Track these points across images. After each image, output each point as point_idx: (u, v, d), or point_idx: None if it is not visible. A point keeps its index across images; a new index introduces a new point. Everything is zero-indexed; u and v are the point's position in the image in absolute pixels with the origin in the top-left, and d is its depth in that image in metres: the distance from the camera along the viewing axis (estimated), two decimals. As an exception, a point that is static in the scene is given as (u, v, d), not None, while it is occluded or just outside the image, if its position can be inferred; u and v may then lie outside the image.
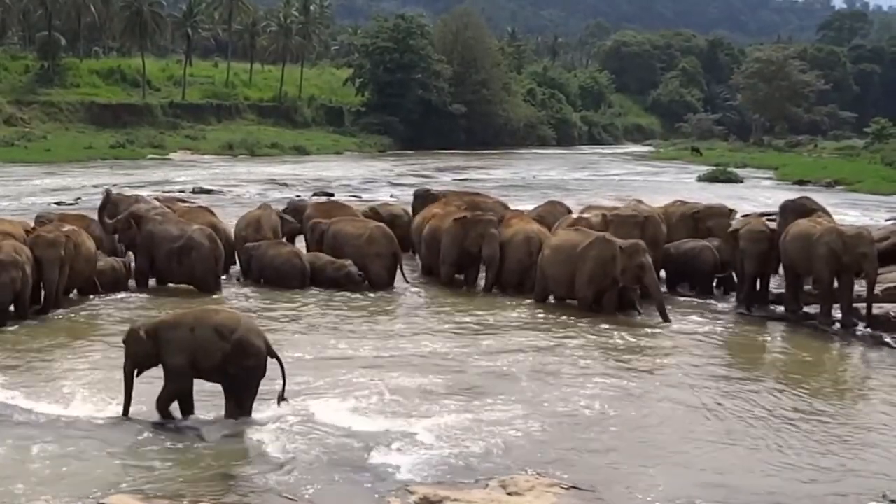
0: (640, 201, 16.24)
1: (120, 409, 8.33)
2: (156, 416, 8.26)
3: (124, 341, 8.34)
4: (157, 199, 17.08)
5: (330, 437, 7.97)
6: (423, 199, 17.23)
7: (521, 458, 7.62)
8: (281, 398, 8.20)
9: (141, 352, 8.20)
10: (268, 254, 14.63)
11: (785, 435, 8.36)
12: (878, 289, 12.61)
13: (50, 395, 8.87)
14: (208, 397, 8.42)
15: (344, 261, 14.50)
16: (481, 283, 14.71)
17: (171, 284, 14.18)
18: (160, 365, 8.25)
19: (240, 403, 8.19)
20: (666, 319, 12.43)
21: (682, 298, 14.08)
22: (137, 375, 8.31)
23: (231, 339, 8.05)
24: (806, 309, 13.02)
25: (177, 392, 8.22)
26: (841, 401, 9.52)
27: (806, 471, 7.58)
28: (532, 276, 13.98)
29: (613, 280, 12.78)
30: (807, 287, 13.29)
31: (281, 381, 8.19)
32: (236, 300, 13.58)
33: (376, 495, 6.92)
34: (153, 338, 8.17)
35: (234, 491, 6.94)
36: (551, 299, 13.64)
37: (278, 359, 8.28)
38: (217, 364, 8.06)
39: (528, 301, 13.67)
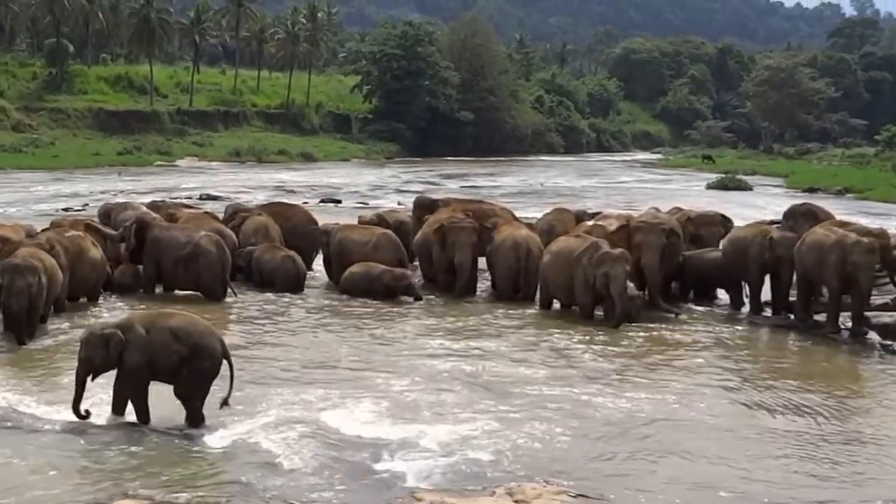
0: (675, 210, 16.06)
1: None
2: (161, 424, 8.22)
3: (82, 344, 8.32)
4: (148, 205, 16.93)
5: (337, 444, 7.93)
6: (424, 207, 16.52)
7: (529, 466, 7.56)
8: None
9: (99, 356, 8.21)
10: (263, 258, 14.62)
11: (794, 443, 8.29)
12: (887, 298, 12.56)
13: (55, 401, 8.81)
14: (211, 400, 8.35)
15: (404, 270, 14.41)
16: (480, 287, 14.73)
17: (177, 292, 14.10)
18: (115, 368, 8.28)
19: (190, 404, 8.24)
20: (615, 326, 12.25)
21: (698, 307, 14.00)
22: (93, 380, 8.31)
23: (187, 342, 8.13)
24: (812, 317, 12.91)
25: (132, 391, 8.25)
26: (852, 408, 9.43)
27: (816, 478, 7.52)
28: (525, 281, 13.93)
29: None
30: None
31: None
32: (239, 306, 13.54)
33: (383, 502, 6.87)
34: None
35: (240, 497, 6.90)
36: (557, 305, 13.57)
37: (230, 362, 8.34)
38: (174, 365, 8.15)
39: (532, 308, 13.61)
